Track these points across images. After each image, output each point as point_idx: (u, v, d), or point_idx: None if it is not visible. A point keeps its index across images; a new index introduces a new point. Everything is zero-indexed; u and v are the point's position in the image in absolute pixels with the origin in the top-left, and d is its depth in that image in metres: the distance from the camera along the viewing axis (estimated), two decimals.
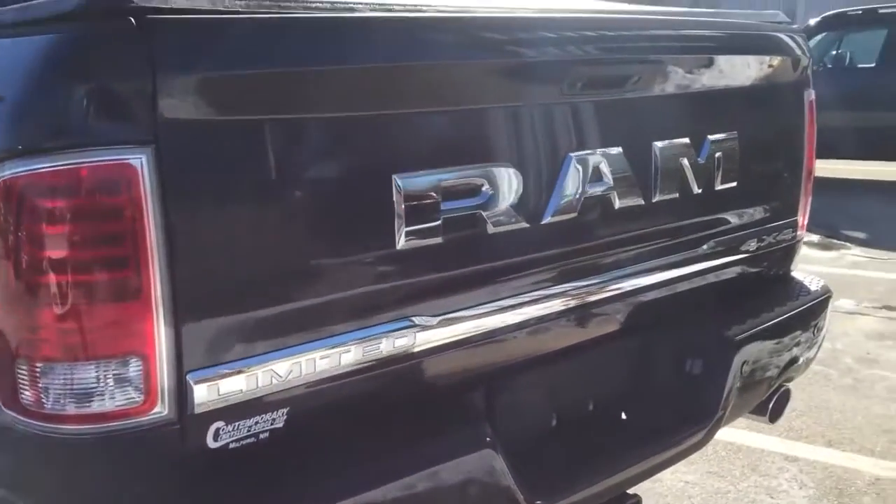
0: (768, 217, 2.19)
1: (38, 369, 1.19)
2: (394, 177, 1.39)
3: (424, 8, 1.51)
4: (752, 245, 2.15)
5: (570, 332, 1.80)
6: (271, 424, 1.34)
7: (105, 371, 1.19)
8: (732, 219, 2.08)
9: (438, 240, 1.46)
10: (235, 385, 1.28)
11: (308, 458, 1.37)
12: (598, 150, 1.71)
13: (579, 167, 1.66)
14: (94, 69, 1.15)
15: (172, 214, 1.18)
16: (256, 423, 1.32)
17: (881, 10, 9.52)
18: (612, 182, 1.72)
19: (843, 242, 6.73)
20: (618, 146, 1.73)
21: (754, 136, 2.09)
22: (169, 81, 1.17)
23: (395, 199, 1.40)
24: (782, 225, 2.24)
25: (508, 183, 1.55)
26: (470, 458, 1.49)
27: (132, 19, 1.15)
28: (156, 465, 1.26)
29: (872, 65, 9.41)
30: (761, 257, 2.20)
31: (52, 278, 1.16)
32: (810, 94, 2.26)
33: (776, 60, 2.17)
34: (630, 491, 1.88)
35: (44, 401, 1.20)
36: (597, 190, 1.70)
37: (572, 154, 1.65)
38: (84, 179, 1.14)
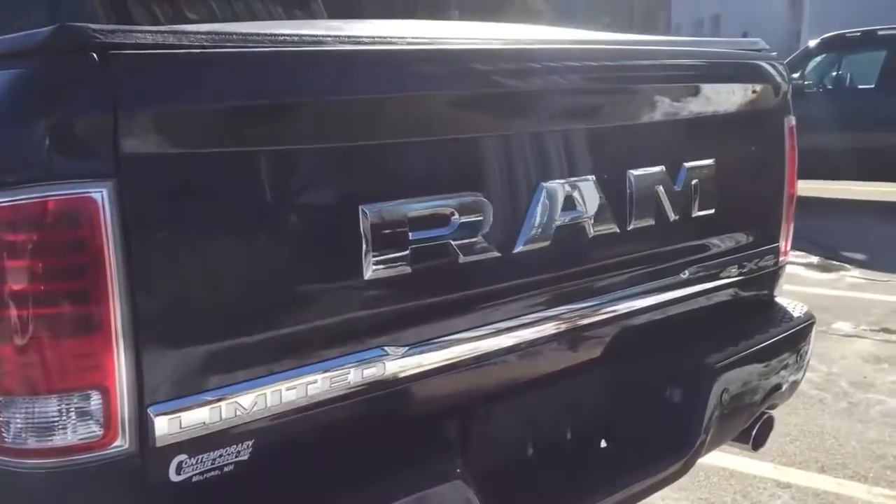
0: (748, 244, 2.19)
1: (0, 403, 1.19)
2: (360, 207, 1.40)
3: (392, 40, 1.52)
4: (733, 272, 2.15)
5: (546, 361, 1.80)
6: (236, 457, 1.34)
7: (65, 405, 1.19)
8: (711, 246, 2.08)
9: (407, 269, 1.46)
10: (198, 417, 1.28)
11: (274, 492, 1.37)
12: (571, 179, 1.71)
13: (549, 197, 1.66)
14: (55, 104, 1.16)
15: (133, 247, 1.19)
16: (220, 455, 1.32)
17: (880, 33, 9.56)
18: (585, 210, 1.72)
19: (842, 264, 6.71)
20: (591, 175, 1.73)
21: (732, 162, 2.10)
22: (130, 116, 1.18)
23: (361, 228, 1.40)
24: (763, 251, 2.24)
25: (479, 213, 1.55)
26: (439, 490, 1.48)
27: (94, 55, 1.16)
28: (117, 499, 1.25)
29: (872, 86, 9.44)
30: (742, 283, 2.20)
31: (12, 311, 1.16)
32: (790, 121, 2.26)
33: (755, 88, 2.18)
34: None
35: (4, 435, 1.20)
36: (570, 218, 1.70)
37: (543, 183, 1.65)
38: (44, 213, 1.15)
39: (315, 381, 1.40)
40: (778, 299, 2.37)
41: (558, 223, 1.68)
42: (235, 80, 1.29)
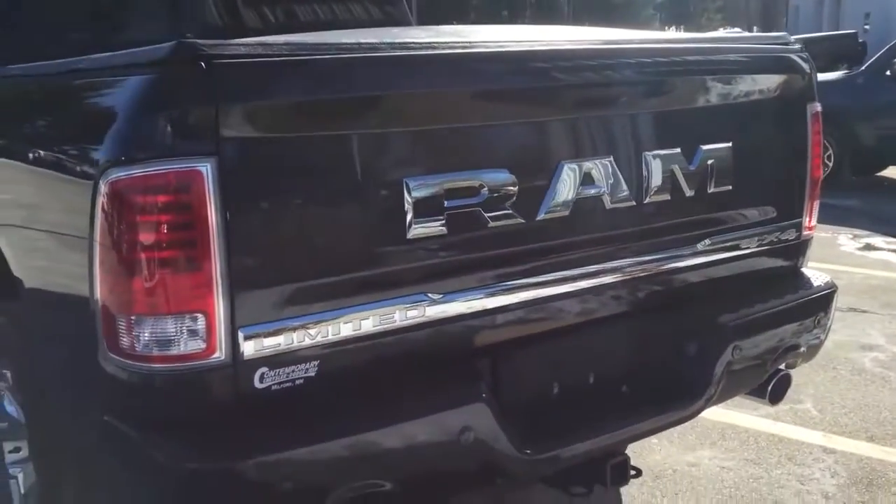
0: (770, 218, 2.44)
1: (132, 322, 1.62)
2: (405, 179, 1.77)
3: (437, 45, 1.88)
4: (754, 242, 2.41)
5: (571, 314, 2.12)
6: (305, 373, 1.73)
7: (179, 324, 1.61)
8: (731, 218, 2.35)
9: (443, 230, 1.82)
10: (276, 340, 1.68)
11: (333, 401, 1.75)
12: (594, 159, 2.03)
13: (571, 173, 1.98)
14: (173, 101, 1.58)
15: (229, 208, 1.59)
16: (293, 370, 1.72)
17: None
18: (604, 185, 2.04)
19: None
20: (610, 155, 2.05)
21: (753, 145, 2.36)
22: (227, 109, 1.58)
23: (405, 197, 1.77)
24: (786, 225, 2.48)
25: (506, 186, 1.89)
26: (465, 409, 1.83)
27: (202, 64, 1.57)
28: (215, 398, 1.67)
29: None
30: (764, 253, 2.45)
31: (142, 254, 1.59)
32: (814, 107, 2.49)
33: (778, 78, 2.42)
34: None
35: (136, 345, 1.63)
36: (588, 192, 2.02)
37: (564, 161, 1.97)
38: (165, 181, 1.57)
39: (367, 318, 1.78)
40: (803, 270, 2.60)
41: (578, 197, 2.00)
42: (306, 80, 1.68)
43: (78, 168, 1.76)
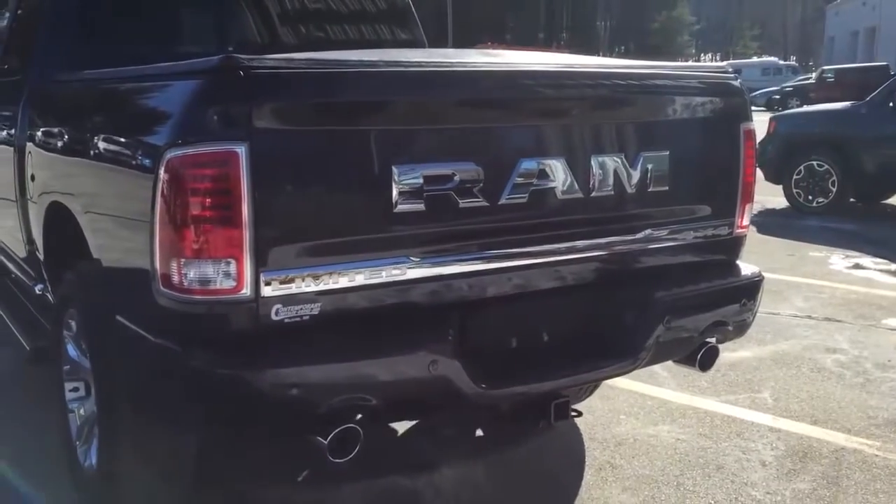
0: (705, 216, 2.94)
1: (182, 264, 2.17)
2: (393, 167, 2.30)
3: (424, 64, 2.42)
4: (689, 234, 2.90)
5: (529, 283, 2.63)
6: (310, 311, 2.26)
7: (216, 267, 2.15)
8: (669, 213, 2.84)
9: (421, 208, 2.35)
10: (288, 285, 2.21)
11: (332, 334, 2.28)
12: (554, 158, 2.55)
13: (529, 168, 2.51)
14: (218, 99, 2.13)
15: (256, 182, 2.13)
16: (301, 308, 2.25)
17: None
18: (555, 180, 2.55)
19: None
20: (563, 155, 2.57)
21: (691, 154, 2.86)
22: (259, 107, 2.13)
23: (393, 180, 2.30)
24: (719, 223, 2.98)
25: (473, 175, 2.42)
26: (434, 346, 2.35)
27: (241, 72, 2.12)
28: (241, 324, 2.20)
29: None
30: (698, 244, 2.94)
31: (191, 212, 2.13)
32: (748, 125, 2.99)
33: (715, 100, 2.92)
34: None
35: (184, 280, 2.17)
36: (542, 184, 2.54)
37: (523, 159, 2.50)
38: (210, 158, 2.12)
39: (361, 273, 2.31)
40: (736, 262, 3.10)
41: (533, 187, 2.52)
42: (318, 87, 2.22)
43: (145, 150, 2.32)
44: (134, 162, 2.37)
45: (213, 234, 2.14)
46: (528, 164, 2.51)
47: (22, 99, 3.64)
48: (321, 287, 2.25)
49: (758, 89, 33.43)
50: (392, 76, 2.35)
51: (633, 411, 4.06)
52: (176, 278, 2.18)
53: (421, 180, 2.34)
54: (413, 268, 2.38)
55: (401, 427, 3.66)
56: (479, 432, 3.77)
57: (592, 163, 2.64)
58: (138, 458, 2.66)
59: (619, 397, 4.19)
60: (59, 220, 3.05)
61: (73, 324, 3.03)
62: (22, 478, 3.32)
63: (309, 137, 2.21)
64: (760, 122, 10.44)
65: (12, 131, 3.72)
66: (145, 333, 2.35)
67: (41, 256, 3.47)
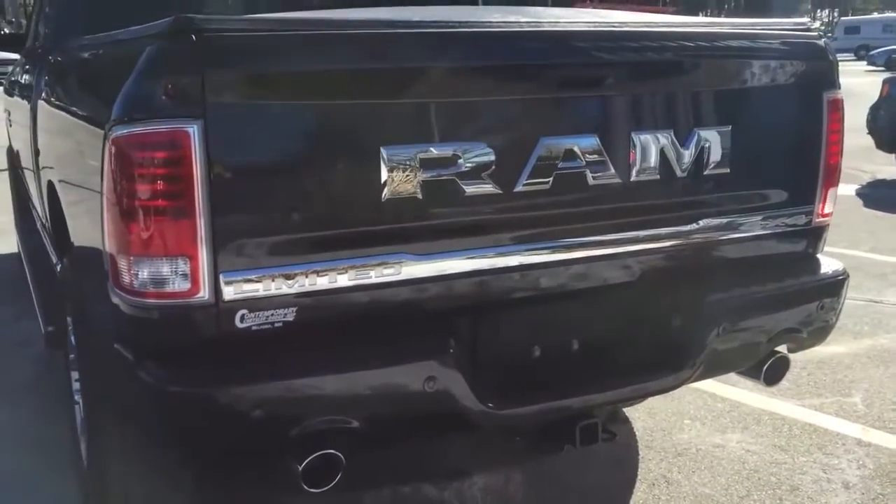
0: (777, 203, 2.46)
1: (131, 262, 1.87)
2: (381, 148, 1.93)
3: (419, 24, 2.02)
4: (756, 225, 2.43)
5: (556, 283, 2.23)
6: (283, 318, 1.93)
7: (168, 265, 1.85)
8: (729, 199, 2.38)
9: (418, 196, 1.98)
10: (255, 287, 1.88)
11: (307, 345, 1.95)
12: (583, 137, 2.13)
13: (555, 147, 2.09)
14: (168, 69, 1.80)
15: (213, 165, 1.80)
16: (272, 315, 1.92)
17: None
18: (584, 161, 2.13)
19: None
20: (595, 133, 2.14)
21: (759, 129, 2.38)
22: (214, 78, 1.79)
23: (381, 164, 1.93)
24: (795, 211, 2.49)
25: (483, 157, 2.02)
26: (431, 361, 1.99)
27: (193, 37, 1.78)
28: (200, 332, 1.90)
29: None
30: (768, 236, 2.47)
31: (138, 202, 1.83)
32: (833, 94, 2.48)
33: (792, 63, 2.42)
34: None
35: (133, 281, 1.87)
36: (568, 167, 2.12)
37: (544, 137, 2.08)
38: (158, 138, 1.80)
39: (344, 273, 1.96)
40: (816, 256, 2.60)
41: (558, 171, 2.11)
42: (287, 53, 1.86)
43: (95, 129, 2.02)
44: (89, 143, 2.07)
45: (163, 226, 1.83)
46: (551, 144, 2.10)
47: (38, 66, 3.44)
48: (296, 289, 1.92)
49: (878, 47, 31.23)
50: (379, 39, 1.97)
51: (700, 415, 3.61)
52: (126, 278, 1.89)
53: (417, 163, 1.97)
54: (409, 266, 2.02)
55: None
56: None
57: (633, 141, 2.20)
58: (123, 462, 2.41)
59: (686, 398, 3.74)
60: (55, 198, 2.83)
61: (70, 310, 2.81)
62: (33, 466, 3.16)
63: (276, 114, 1.87)
64: (877, 84, 9.55)
65: (31, 99, 3.53)
66: (106, 335, 2.07)
67: (52, 235, 3.28)
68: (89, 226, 2.21)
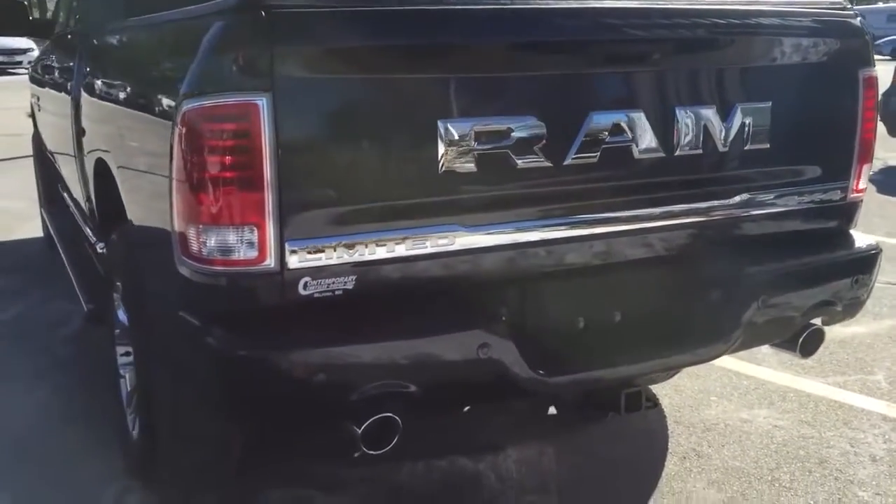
0: (813, 178, 2.52)
1: (200, 230, 1.93)
2: (438, 121, 2.00)
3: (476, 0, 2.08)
4: (793, 199, 2.50)
5: (601, 255, 2.30)
6: (343, 286, 2.00)
7: (236, 234, 1.91)
8: (769, 174, 2.44)
9: (473, 168, 2.04)
10: (318, 255, 1.95)
11: (367, 312, 2.02)
12: (630, 111, 2.19)
13: (603, 122, 2.16)
14: (237, 44, 1.87)
15: (280, 136, 1.87)
16: (333, 282, 1.99)
17: None
18: (631, 136, 2.20)
19: None
20: (641, 107, 2.20)
21: (798, 105, 2.44)
22: (282, 52, 1.85)
23: (439, 136, 2.00)
24: (830, 186, 2.55)
25: (534, 131, 2.09)
26: (485, 328, 2.06)
27: (262, 12, 1.85)
28: (265, 299, 1.96)
29: None
30: (804, 211, 2.53)
31: (209, 173, 1.89)
32: (868, 72, 2.54)
33: (829, 41, 2.48)
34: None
35: (203, 249, 1.94)
36: (620, 141, 2.19)
37: (593, 112, 2.15)
38: (230, 110, 1.86)
39: (402, 243, 2.03)
40: (849, 231, 2.67)
41: (605, 145, 2.17)
42: (354, 28, 1.93)
43: (163, 102, 2.09)
44: (155, 116, 2.14)
45: (232, 197, 1.89)
46: (600, 119, 2.17)
47: (77, 50, 3.49)
48: (356, 258, 1.99)
49: (883, 37, 31.21)
50: (438, 15, 2.03)
51: (725, 392, 3.67)
52: (195, 246, 1.95)
53: (472, 137, 2.03)
54: (462, 237, 2.08)
55: None
56: (552, 410, 3.48)
57: (677, 116, 2.26)
58: (176, 434, 2.49)
59: (711, 376, 3.81)
60: (105, 178, 2.89)
61: (120, 285, 2.88)
62: (77, 441, 3.23)
63: (341, 87, 1.93)
64: (884, 73, 9.57)
65: (70, 84, 3.59)
66: (170, 304, 2.14)
67: (97, 214, 3.34)
68: (150, 200, 2.28)
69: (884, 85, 9.51)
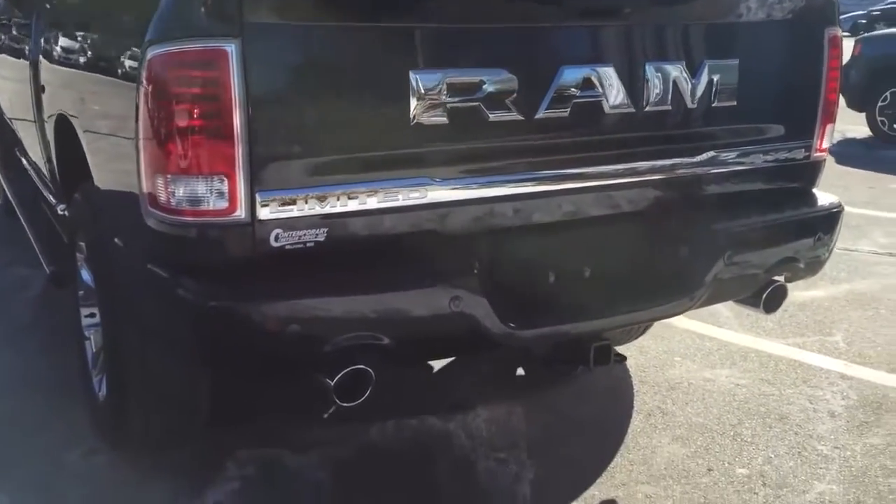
0: (777, 136, 2.56)
1: (168, 180, 1.91)
2: (410, 71, 1.98)
3: None
4: (758, 158, 2.53)
5: (570, 210, 2.31)
6: (315, 238, 1.99)
7: (205, 184, 1.89)
8: (734, 132, 2.47)
9: (444, 121, 2.03)
10: (290, 207, 1.94)
11: (340, 264, 2.01)
12: (600, 66, 2.20)
13: (574, 77, 2.16)
14: None
15: (250, 84, 1.84)
16: (304, 234, 1.98)
17: None
18: (601, 90, 2.21)
19: None
20: (610, 62, 2.21)
21: (764, 64, 2.47)
22: None
23: (410, 87, 1.99)
24: (794, 145, 2.59)
25: (506, 84, 2.08)
26: (456, 281, 2.07)
27: None
28: (236, 250, 1.95)
29: None
30: (768, 169, 2.57)
31: (177, 122, 1.86)
32: (833, 31, 2.57)
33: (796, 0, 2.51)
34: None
35: (171, 201, 1.92)
36: (590, 96, 2.19)
37: (565, 66, 2.15)
38: (197, 56, 1.83)
39: (373, 195, 2.02)
40: (812, 190, 2.71)
41: (576, 100, 2.18)
42: None
43: (128, 50, 2.05)
44: (119, 65, 2.10)
45: (201, 146, 1.87)
46: (571, 73, 2.17)
47: (35, 7, 3.40)
48: (327, 210, 1.98)
49: (844, 13, 31.56)
50: None
51: (689, 353, 3.74)
52: (163, 197, 1.93)
53: (443, 89, 2.02)
54: (434, 190, 2.08)
55: (436, 362, 3.43)
56: (520, 371, 3.51)
57: (647, 72, 2.28)
58: (146, 391, 2.47)
59: (675, 338, 3.87)
60: (67, 136, 2.83)
61: (84, 245, 2.83)
62: (40, 405, 3.19)
63: (312, 34, 1.91)
64: (844, 48, 9.66)
65: (28, 44, 3.50)
66: (138, 258, 2.11)
67: (58, 175, 3.28)
68: (116, 155, 2.24)
69: (844, 58, 9.68)
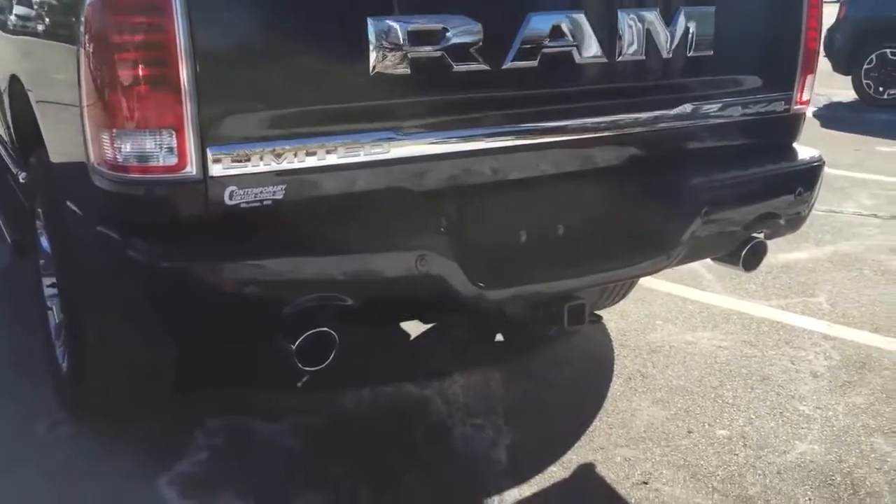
0: (756, 87, 2.47)
1: (113, 135, 1.81)
2: (367, 18, 1.88)
3: None
4: (736, 110, 2.45)
5: (541, 166, 2.22)
6: (272, 195, 1.90)
7: (153, 138, 1.79)
8: (712, 83, 2.39)
9: (406, 71, 1.94)
10: (244, 162, 1.84)
11: (296, 223, 1.92)
12: (571, 12, 2.10)
13: (542, 25, 2.06)
14: None
15: (196, 32, 1.74)
16: (261, 192, 1.88)
17: None
18: (572, 39, 2.11)
19: None
20: (582, 9, 2.11)
21: (742, 11, 2.37)
22: None
23: (368, 35, 1.88)
24: (773, 97, 2.51)
25: (470, 32, 1.99)
26: (422, 239, 1.98)
27: None
28: (189, 209, 1.85)
29: None
30: (747, 122, 2.48)
31: (120, 72, 1.76)
32: None
33: None
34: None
35: (117, 156, 1.82)
36: (560, 45, 2.10)
37: (532, 13, 2.05)
38: (137, 3, 1.72)
39: (333, 150, 1.92)
40: (793, 145, 2.63)
41: (545, 49, 2.08)
42: None
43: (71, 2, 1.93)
44: (60, 14, 1.99)
45: (147, 98, 1.77)
46: (539, 21, 2.07)
47: None
48: (285, 166, 1.88)
49: None
50: None
51: (670, 316, 3.67)
52: (109, 153, 1.83)
53: (405, 37, 1.92)
54: (397, 145, 1.99)
55: (412, 330, 3.36)
56: (499, 337, 3.44)
57: (620, 19, 2.18)
58: (105, 360, 2.38)
59: (657, 301, 3.81)
60: (21, 100, 2.72)
61: (41, 212, 2.73)
62: (6, 377, 3.10)
63: None
64: (829, 13, 9.61)
65: None
66: (89, 221, 2.02)
67: (15, 141, 3.17)
68: (64, 115, 2.13)
69: (829, 20, 9.57)
